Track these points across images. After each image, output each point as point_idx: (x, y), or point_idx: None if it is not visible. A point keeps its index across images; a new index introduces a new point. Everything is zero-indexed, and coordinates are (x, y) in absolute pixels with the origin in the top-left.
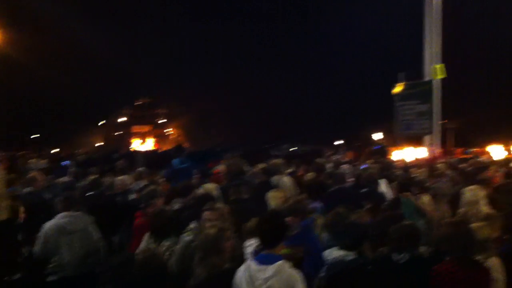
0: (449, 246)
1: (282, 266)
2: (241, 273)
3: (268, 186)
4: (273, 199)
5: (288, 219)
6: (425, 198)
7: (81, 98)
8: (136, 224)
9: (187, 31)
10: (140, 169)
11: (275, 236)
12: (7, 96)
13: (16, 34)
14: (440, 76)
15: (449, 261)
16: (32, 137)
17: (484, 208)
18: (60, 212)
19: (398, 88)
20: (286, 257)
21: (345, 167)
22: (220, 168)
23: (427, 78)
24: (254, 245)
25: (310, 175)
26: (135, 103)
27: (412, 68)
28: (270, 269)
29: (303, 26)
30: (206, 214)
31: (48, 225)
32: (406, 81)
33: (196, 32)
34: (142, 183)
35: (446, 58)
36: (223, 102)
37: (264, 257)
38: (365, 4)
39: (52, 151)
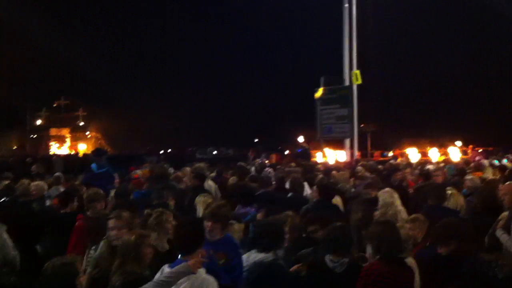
0: (377, 244)
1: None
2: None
3: (202, 190)
4: (201, 204)
5: (207, 224)
6: (337, 199)
7: None
8: (76, 227)
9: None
10: (57, 174)
11: (191, 241)
12: None
13: None
14: (357, 81)
15: (377, 260)
16: None
17: (400, 208)
18: None
19: (319, 93)
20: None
21: (268, 170)
22: (140, 172)
23: (346, 83)
24: None
25: (233, 179)
26: (53, 105)
27: (333, 73)
28: None
29: (221, 28)
30: (110, 222)
31: None
32: (327, 86)
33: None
34: (60, 188)
35: (363, 64)
36: (146, 105)
37: (179, 263)
38: (289, 8)
39: None
